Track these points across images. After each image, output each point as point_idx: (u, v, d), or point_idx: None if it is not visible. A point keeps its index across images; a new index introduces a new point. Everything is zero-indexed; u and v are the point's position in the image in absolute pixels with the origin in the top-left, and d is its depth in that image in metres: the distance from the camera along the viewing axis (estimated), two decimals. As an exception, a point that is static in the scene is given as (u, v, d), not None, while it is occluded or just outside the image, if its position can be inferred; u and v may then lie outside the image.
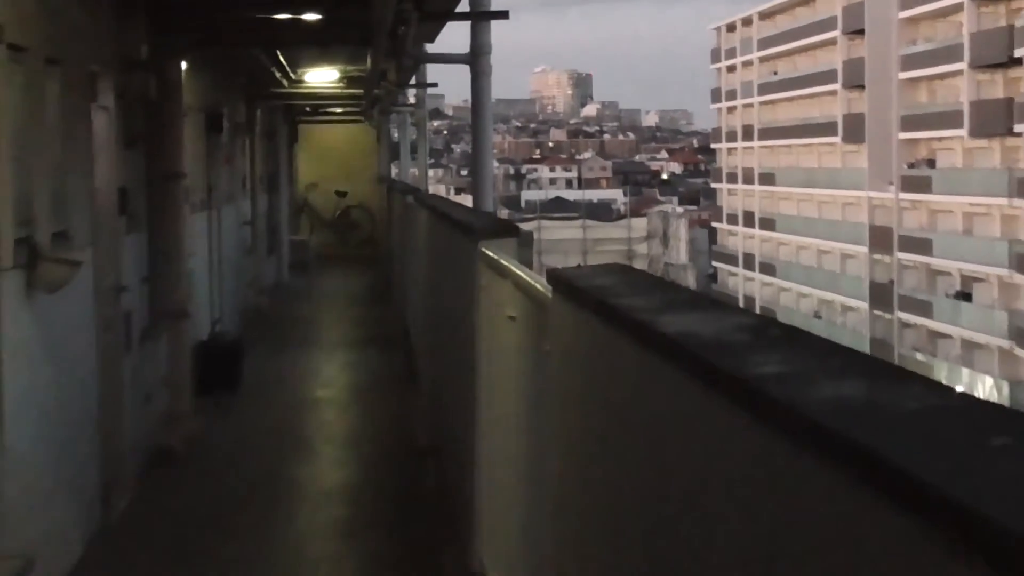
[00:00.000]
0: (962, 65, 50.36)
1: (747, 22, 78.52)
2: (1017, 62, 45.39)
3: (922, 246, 53.74)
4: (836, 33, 62.55)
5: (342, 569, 7.73)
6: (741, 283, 74.99)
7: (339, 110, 26.74)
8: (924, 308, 53.31)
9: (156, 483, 9.00)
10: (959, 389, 2.05)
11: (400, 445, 10.53)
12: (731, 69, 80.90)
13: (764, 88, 74.26)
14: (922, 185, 54.59)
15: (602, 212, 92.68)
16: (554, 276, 4.28)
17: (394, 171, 29.27)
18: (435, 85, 22.61)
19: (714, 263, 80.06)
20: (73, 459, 7.15)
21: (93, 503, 7.65)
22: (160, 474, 9.20)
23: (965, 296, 50.45)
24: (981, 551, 1.36)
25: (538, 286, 4.83)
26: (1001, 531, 1.30)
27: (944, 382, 2.66)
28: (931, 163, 55.58)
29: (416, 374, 12.42)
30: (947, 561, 1.42)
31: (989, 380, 48.09)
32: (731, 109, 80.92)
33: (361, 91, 19.42)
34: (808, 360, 2.33)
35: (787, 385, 2.06)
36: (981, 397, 2.10)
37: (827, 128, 64.07)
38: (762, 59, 74.45)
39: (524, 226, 8.42)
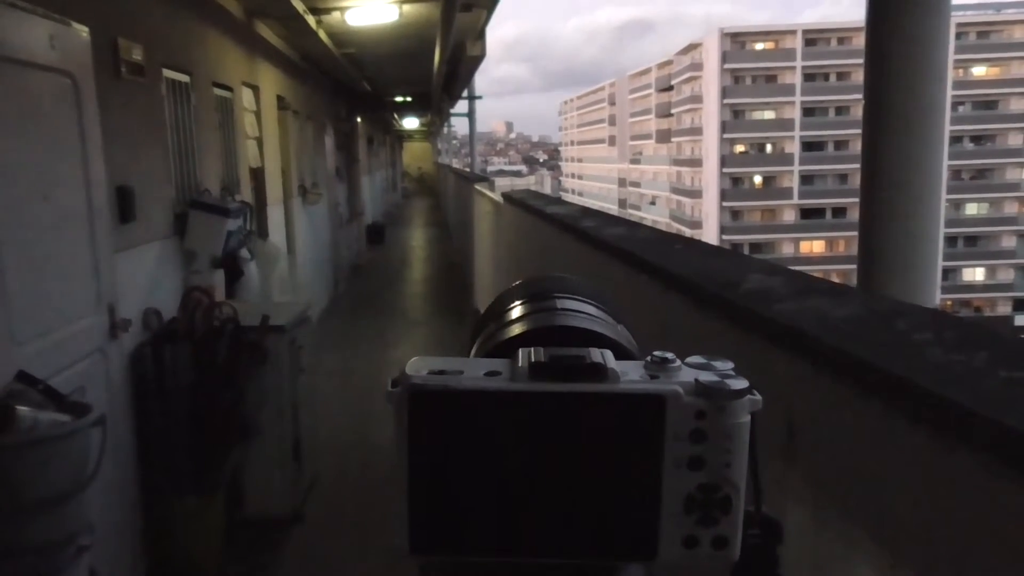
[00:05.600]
0: (652, 116, 69.91)
1: (571, 100, 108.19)
2: (670, 115, 64.32)
3: (637, 185, 74.86)
4: (604, 104, 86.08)
5: (425, 306, 10.35)
6: (570, 200, 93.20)
7: (417, 136, 34.50)
8: (638, 208, 71.89)
9: (354, 277, 11.56)
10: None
11: (444, 261, 13.57)
12: (567, 118, 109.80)
13: (580, 125, 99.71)
14: (637, 162, 75.10)
15: (516, 175, 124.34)
16: (503, 194, 5.96)
17: (438, 160, 38.49)
18: (453, 125, 29.50)
19: (560, 192, 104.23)
20: (323, 267, 9.36)
21: (330, 284, 9.93)
22: (355, 274, 11.79)
23: (653, 203, 69.92)
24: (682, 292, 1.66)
25: (497, 198, 6.45)
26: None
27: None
28: (640, 153, 75.88)
29: (450, 235, 16.36)
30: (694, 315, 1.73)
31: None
32: (566, 133, 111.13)
33: (426, 128, 27.04)
34: (605, 221, 3.11)
35: (593, 227, 2.82)
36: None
37: (601, 140, 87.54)
38: (579, 115, 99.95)
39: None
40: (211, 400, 3.54)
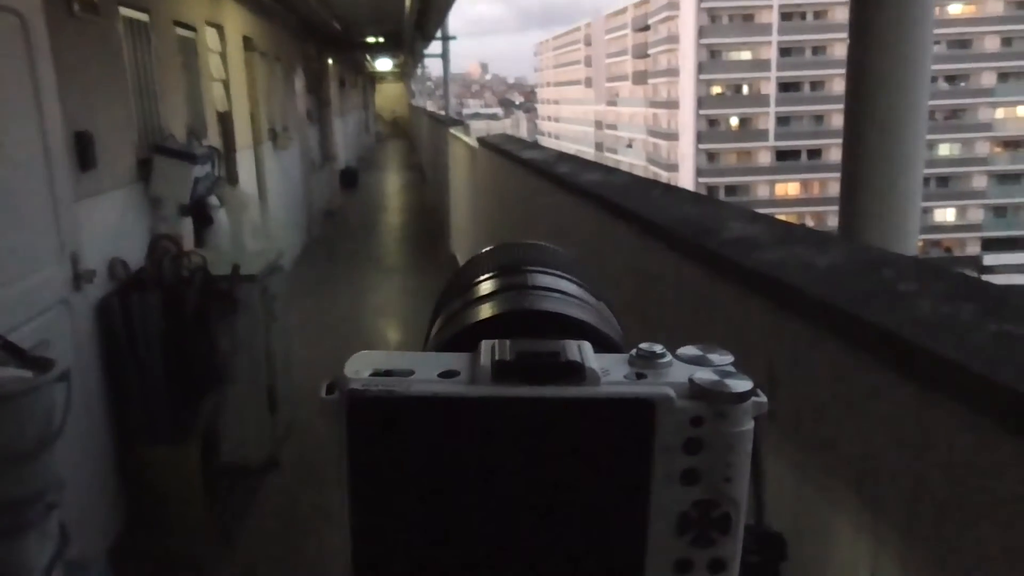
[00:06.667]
0: (628, 56, 67.40)
1: (547, 41, 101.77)
2: (647, 56, 61.58)
3: (613, 127, 71.89)
4: (580, 44, 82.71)
5: (400, 252, 10.09)
6: (547, 143, 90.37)
7: (390, 78, 33.22)
8: (615, 151, 69.78)
9: (327, 223, 11.09)
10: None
11: (420, 206, 13.12)
12: (543, 59, 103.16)
13: (556, 66, 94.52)
14: (614, 104, 71.80)
15: (491, 117, 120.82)
16: (478, 138, 5.77)
17: (412, 102, 37.30)
18: (427, 67, 28.14)
19: (536, 135, 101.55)
20: (295, 214, 9.01)
21: (303, 229, 9.55)
22: (327, 219, 11.28)
23: (629, 146, 67.43)
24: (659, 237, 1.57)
25: (472, 143, 6.23)
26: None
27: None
28: (617, 95, 72.50)
29: (425, 180, 15.81)
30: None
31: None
32: (542, 75, 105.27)
33: (399, 70, 26.30)
34: (582, 167, 3.03)
35: (567, 172, 2.78)
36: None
37: (577, 82, 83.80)
38: (555, 55, 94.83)
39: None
40: (182, 348, 3.48)
